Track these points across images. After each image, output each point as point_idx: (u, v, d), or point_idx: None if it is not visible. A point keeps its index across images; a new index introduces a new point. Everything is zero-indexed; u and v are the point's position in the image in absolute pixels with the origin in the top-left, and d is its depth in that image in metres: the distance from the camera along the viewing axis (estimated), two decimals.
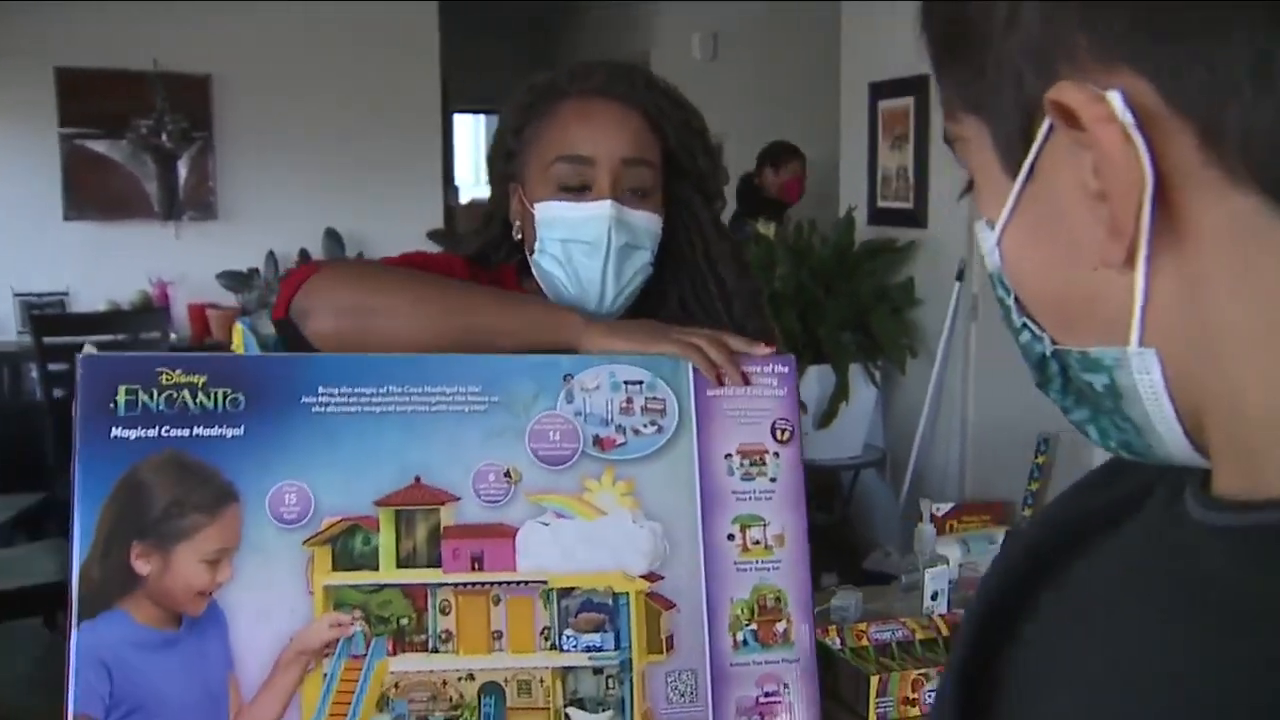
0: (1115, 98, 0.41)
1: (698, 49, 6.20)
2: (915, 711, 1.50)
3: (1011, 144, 0.46)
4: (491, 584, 1.09)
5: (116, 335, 4.78)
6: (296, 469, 1.07)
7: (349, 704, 1.06)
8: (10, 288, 5.37)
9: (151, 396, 1.06)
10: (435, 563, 1.09)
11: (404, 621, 1.08)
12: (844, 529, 4.27)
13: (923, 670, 1.51)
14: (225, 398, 1.07)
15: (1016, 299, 0.51)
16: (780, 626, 1.11)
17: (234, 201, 5.77)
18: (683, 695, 1.09)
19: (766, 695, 1.10)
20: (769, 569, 1.11)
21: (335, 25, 5.71)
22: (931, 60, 0.51)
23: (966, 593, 1.88)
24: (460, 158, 10.15)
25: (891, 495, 4.21)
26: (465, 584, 1.09)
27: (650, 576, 1.10)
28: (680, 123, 1.41)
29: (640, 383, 1.12)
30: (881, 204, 4.52)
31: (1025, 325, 0.50)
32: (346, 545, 1.08)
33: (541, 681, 1.09)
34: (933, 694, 1.51)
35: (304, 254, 5.66)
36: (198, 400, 1.07)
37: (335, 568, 1.07)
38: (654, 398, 1.12)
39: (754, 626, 1.10)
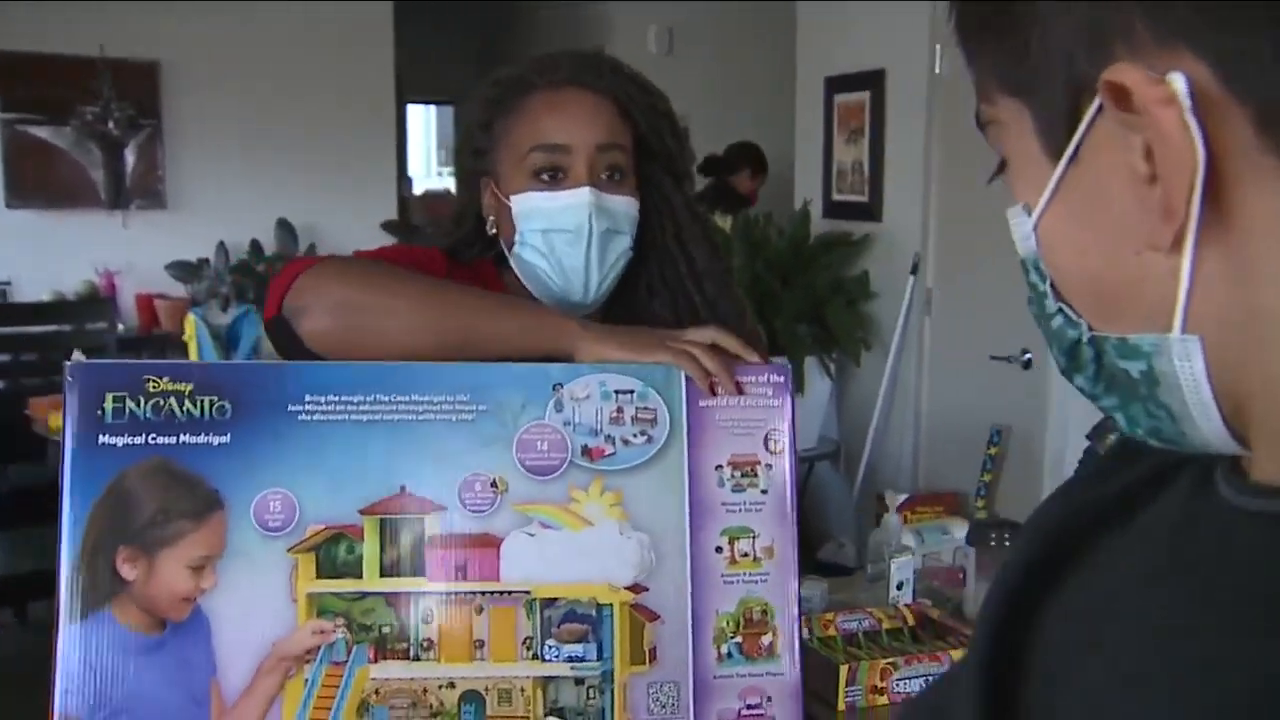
0: (1178, 80, 0.41)
1: (653, 43, 6.20)
2: (883, 700, 1.53)
3: (1055, 126, 0.46)
4: (475, 594, 1.09)
5: (61, 326, 4.70)
6: (282, 477, 1.07)
7: (330, 710, 1.07)
8: None
9: (139, 404, 1.06)
10: (419, 572, 1.09)
11: (386, 629, 1.08)
12: (798, 521, 4.30)
13: (890, 659, 1.54)
14: (212, 405, 1.07)
15: (1052, 284, 0.50)
16: (766, 639, 1.11)
17: (183, 191, 5.69)
18: (664, 706, 1.10)
19: (749, 708, 1.11)
20: (757, 581, 1.12)
21: (288, 13, 5.64)
22: (966, 41, 0.51)
23: (930, 582, 1.92)
24: (414, 149, 10.10)
25: (845, 487, 4.25)
26: (448, 593, 1.09)
27: (636, 588, 1.10)
28: (648, 107, 1.42)
29: (631, 392, 1.12)
30: (837, 197, 4.55)
31: (1060, 310, 0.50)
32: (330, 553, 1.08)
33: (522, 691, 1.09)
34: (901, 682, 1.53)
35: (255, 245, 5.61)
36: (184, 408, 1.07)
37: (319, 575, 1.08)
38: (645, 407, 1.12)
39: (739, 639, 1.11)
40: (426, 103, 10.14)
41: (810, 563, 3.23)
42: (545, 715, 1.09)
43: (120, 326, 5.16)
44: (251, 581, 1.06)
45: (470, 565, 1.09)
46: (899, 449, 4.21)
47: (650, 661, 1.10)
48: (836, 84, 4.51)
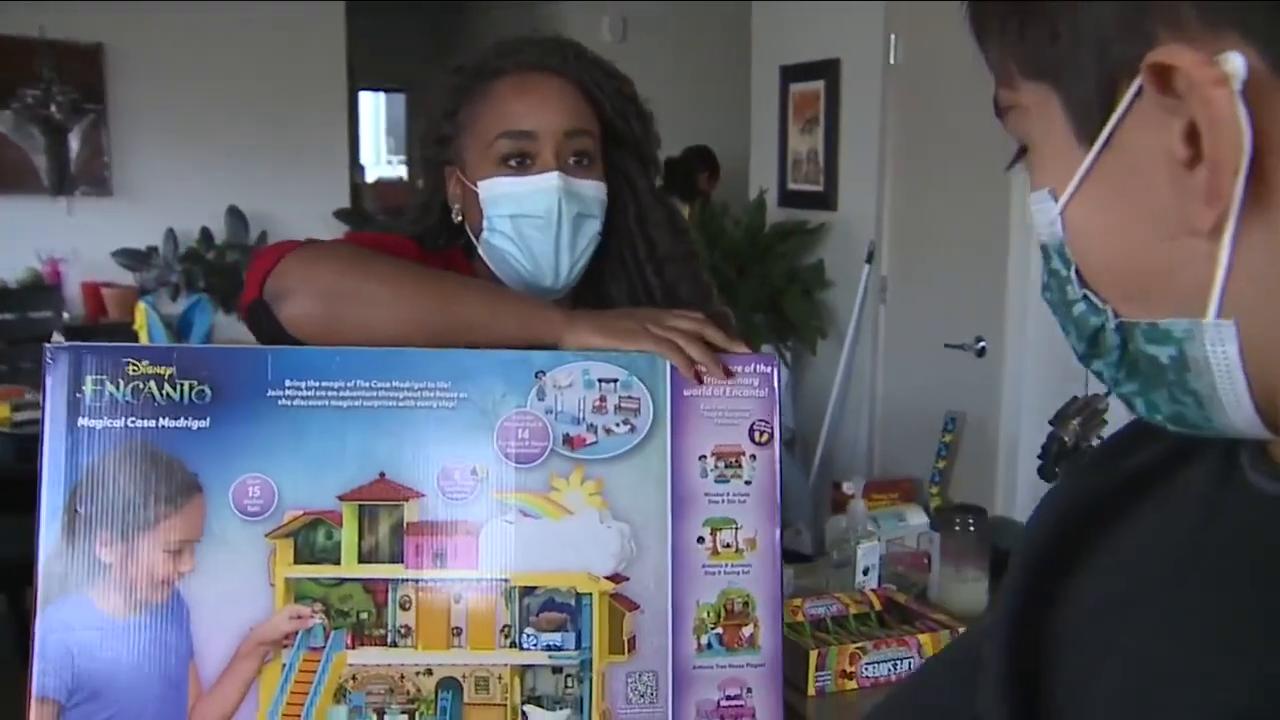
0: (1236, 60, 0.41)
1: (607, 31, 6.19)
2: (852, 685, 1.54)
3: (1088, 111, 0.46)
4: (453, 581, 1.09)
5: (4, 314, 4.62)
6: (261, 462, 1.07)
7: (306, 694, 1.07)
8: None
9: (118, 387, 1.05)
10: (397, 558, 1.09)
11: (364, 615, 1.08)
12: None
13: (859, 644, 1.55)
14: (192, 389, 1.06)
15: (1077, 271, 0.50)
16: (747, 631, 1.12)
17: (130, 177, 5.60)
18: (642, 696, 1.10)
19: (728, 698, 1.11)
20: (738, 573, 1.12)
21: None
22: (983, 27, 0.51)
23: (894, 568, 1.94)
24: (365, 137, 10.02)
25: (802, 474, 4.28)
26: (426, 580, 1.09)
27: (615, 577, 1.10)
28: (613, 91, 1.42)
29: (615, 381, 1.12)
30: (792, 186, 4.57)
31: (1085, 297, 0.50)
32: (309, 539, 1.08)
33: (499, 678, 1.09)
34: (870, 666, 1.55)
35: (205, 233, 5.54)
36: (164, 391, 1.06)
37: (297, 561, 1.07)
38: (628, 396, 1.12)
39: (719, 630, 1.11)
40: (381, 90, 10.06)
41: None
42: (522, 703, 1.09)
43: (66, 315, 5.08)
44: (230, 566, 1.06)
45: (449, 553, 1.09)
46: (854, 436, 4.25)
47: (629, 651, 1.10)
48: (791, 73, 4.53)
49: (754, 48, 4.83)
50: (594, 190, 1.37)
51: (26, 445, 3.18)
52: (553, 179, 1.33)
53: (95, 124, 5.54)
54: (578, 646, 1.10)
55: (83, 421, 1.05)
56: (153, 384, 1.06)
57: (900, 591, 1.80)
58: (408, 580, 1.09)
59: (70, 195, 5.53)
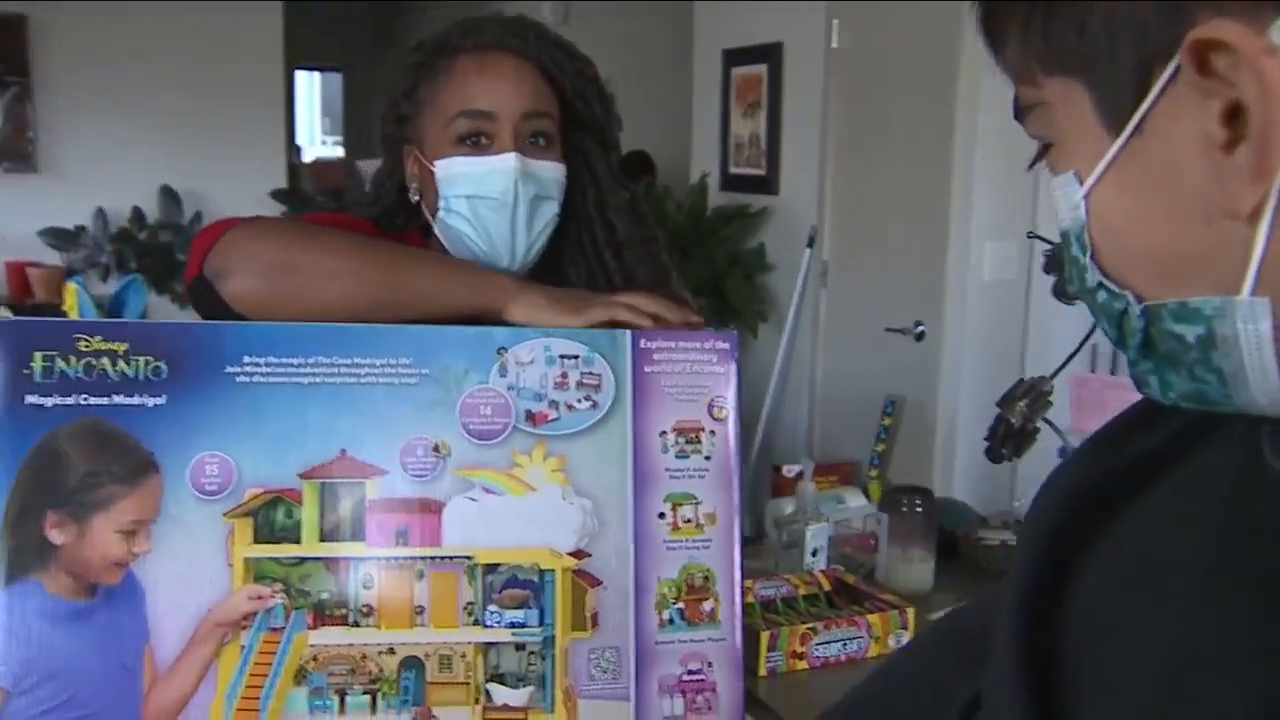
0: None
1: (549, 12, 6.14)
2: (803, 665, 1.56)
3: (1120, 99, 0.46)
4: (416, 559, 1.08)
5: None
6: (219, 440, 1.05)
7: (266, 676, 1.05)
8: None
9: (69, 363, 1.02)
10: (359, 537, 1.07)
11: (325, 595, 1.07)
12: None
13: (810, 625, 1.57)
14: (147, 366, 1.04)
15: (1094, 257, 0.50)
16: (708, 605, 1.12)
17: (57, 154, 5.47)
18: (605, 672, 1.10)
19: (690, 673, 1.12)
20: (699, 548, 1.12)
21: None
22: (1003, 28, 0.51)
23: (841, 549, 1.96)
24: (302, 117, 9.89)
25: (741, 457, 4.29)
26: (389, 559, 1.08)
27: (578, 554, 1.10)
28: (574, 73, 1.41)
29: (576, 357, 1.12)
30: (734, 170, 4.59)
31: (1101, 285, 0.50)
32: (269, 517, 1.06)
33: (463, 656, 1.09)
34: (820, 647, 1.56)
35: (137, 212, 5.43)
36: (118, 368, 1.03)
37: (256, 540, 1.06)
38: (590, 373, 1.12)
39: (681, 605, 1.11)
40: (316, 69, 9.92)
41: None
42: (486, 681, 1.08)
43: None
44: (187, 546, 1.04)
45: (411, 530, 1.08)
46: (794, 420, 4.28)
47: (592, 627, 1.10)
48: (734, 57, 4.55)
49: (696, 31, 4.83)
50: (552, 172, 1.36)
51: None
52: (510, 160, 1.32)
53: (18, 98, 5.40)
54: (541, 623, 1.09)
55: (31, 399, 1.02)
56: (106, 360, 1.04)
57: (848, 572, 1.82)
58: (370, 559, 1.07)
59: None
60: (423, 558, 1.08)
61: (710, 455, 1.13)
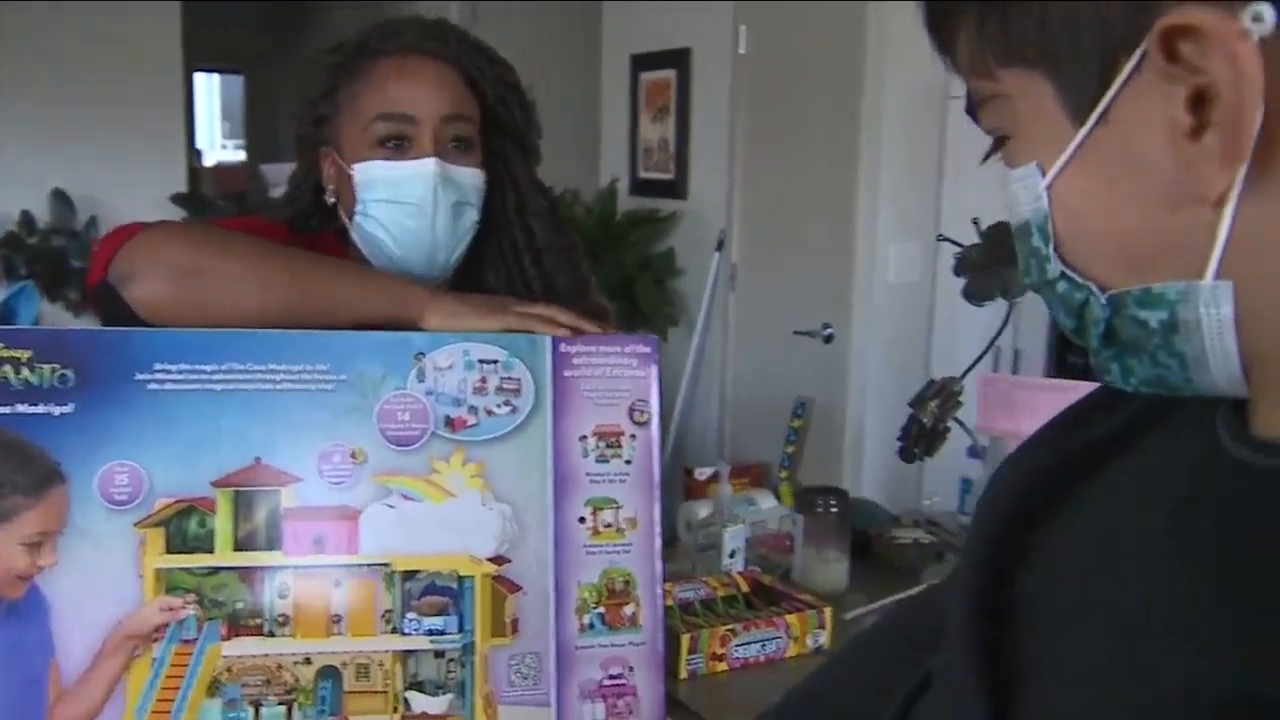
0: (1267, 9, 0.41)
1: (456, 15, 6.11)
2: (723, 666, 1.56)
3: (1083, 87, 0.46)
4: (332, 567, 1.07)
5: None
6: (129, 449, 1.03)
7: (178, 689, 1.03)
8: None
9: None
10: (275, 545, 1.06)
11: (239, 605, 1.05)
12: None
13: (729, 626, 1.58)
14: (53, 373, 1.01)
15: (1056, 248, 0.50)
16: (628, 610, 1.12)
17: None
18: (525, 678, 1.10)
19: (611, 678, 1.11)
20: (619, 552, 1.12)
21: None
22: (954, 24, 0.51)
23: (757, 550, 1.97)
24: (203, 119, 9.70)
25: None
26: (305, 567, 1.06)
27: (498, 559, 1.09)
28: (495, 77, 1.40)
29: (496, 362, 1.11)
30: (643, 175, 4.60)
31: (1063, 275, 0.50)
32: (181, 527, 1.04)
33: (381, 665, 1.07)
34: (741, 648, 1.57)
35: (26, 216, 5.27)
36: (21, 375, 1.01)
37: (169, 550, 1.04)
38: (509, 377, 1.11)
39: (602, 610, 1.11)
40: (219, 70, 9.74)
41: None
42: (404, 689, 1.07)
43: None
44: (95, 558, 1.02)
45: (328, 538, 1.07)
46: (705, 423, 4.30)
47: (512, 633, 1.10)
48: (642, 62, 4.56)
49: (604, 36, 4.84)
50: (472, 178, 1.35)
51: None
52: (429, 165, 1.31)
53: None
54: (460, 630, 1.08)
55: None
56: (8, 368, 1.01)
57: (765, 573, 1.84)
58: (285, 567, 1.06)
59: None
60: (340, 565, 1.07)
61: (631, 459, 1.13)
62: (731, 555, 1.84)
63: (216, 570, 1.05)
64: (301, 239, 1.37)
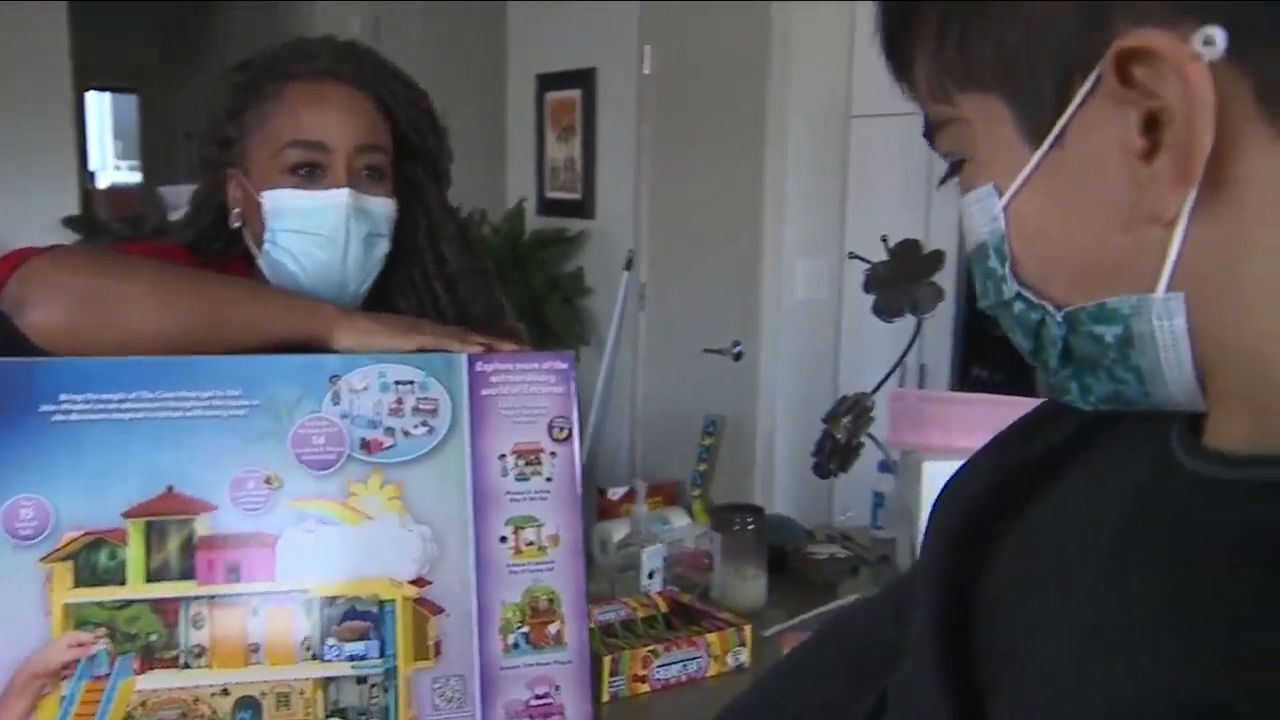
0: (1218, 33, 0.42)
1: (358, 31, 6.05)
2: (645, 688, 1.56)
3: (1039, 110, 0.47)
4: (249, 595, 1.05)
5: None
6: (34, 482, 1.00)
7: None
8: None
9: None
10: (188, 575, 1.04)
11: (153, 638, 1.03)
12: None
13: (650, 647, 1.57)
14: None
15: (1013, 269, 0.51)
16: (553, 628, 1.11)
17: None
18: (450, 701, 1.09)
19: (537, 698, 1.11)
20: (542, 570, 1.11)
21: None
22: (911, 48, 0.52)
23: (675, 569, 1.97)
24: (95, 140, 9.46)
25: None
26: (220, 596, 1.04)
27: (418, 581, 1.08)
28: (410, 104, 1.38)
29: (412, 382, 1.10)
30: (551, 195, 4.61)
31: (1019, 296, 0.51)
32: (90, 560, 1.01)
33: (301, 693, 1.05)
34: (662, 668, 1.56)
35: None
36: None
37: (78, 584, 1.01)
38: (426, 398, 1.10)
39: (526, 629, 1.11)
40: (108, 90, 9.52)
41: None
42: (326, 717, 1.06)
43: None
44: (0, 596, 0.98)
45: (244, 566, 1.05)
46: (617, 442, 4.30)
47: (434, 656, 1.08)
48: (547, 81, 4.57)
49: (510, 55, 4.84)
50: (384, 207, 1.34)
51: None
52: (342, 195, 1.29)
53: None
54: (382, 655, 1.07)
55: None
56: None
57: (684, 592, 1.84)
58: (200, 597, 1.04)
59: None
60: (256, 593, 1.05)
61: (551, 477, 1.13)
62: (650, 576, 1.84)
63: (128, 603, 1.02)
64: (208, 263, 1.35)
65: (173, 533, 1.03)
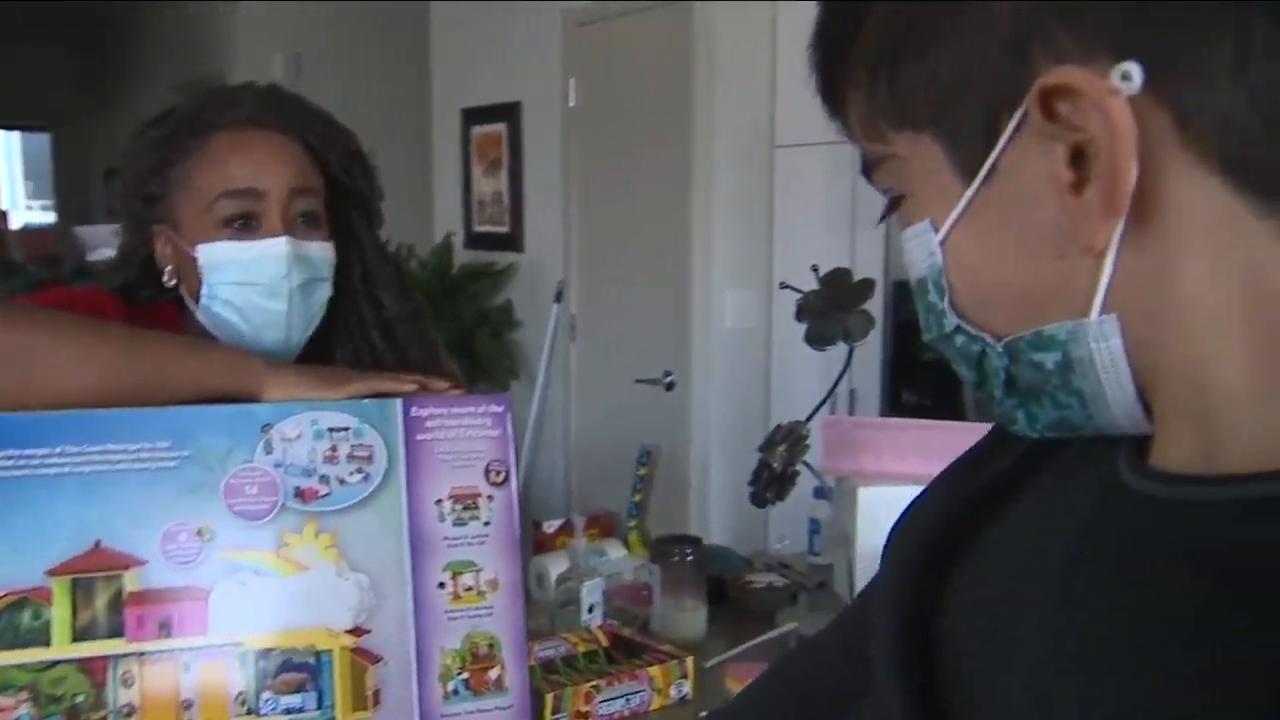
0: (1134, 68, 0.43)
1: (279, 70, 5.99)
2: None
3: (970, 146, 0.48)
4: (181, 651, 1.02)
5: None
6: None
7: None
8: None
9: None
10: (117, 633, 1.01)
11: (80, 698, 1.00)
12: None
13: (593, 683, 1.56)
14: None
15: (951, 302, 0.52)
16: (493, 673, 1.10)
17: None
18: None
19: None
20: (482, 615, 1.10)
21: None
22: (847, 90, 0.52)
23: (614, 602, 1.96)
24: (5, 179, 9.28)
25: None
26: (150, 653, 1.01)
27: (356, 631, 1.06)
28: (339, 146, 1.37)
29: (346, 429, 1.08)
30: (478, 229, 4.60)
31: (959, 329, 0.52)
32: (13, 621, 0.98)
33: None
34: (605, 704, 1.55)
35: None
36: None
37: (0, 647, 0.97)
38: (360, 444, 1.08)
39: (466, 675, 1.09)
40: (17, 128, 9.35)
41: None
42: None
43: None
44: None
45: (176, 620, 1.02)
46: (550, 475, 4.28)
47: (374, 705, 1.06)
48: (473, 116, 4.56)
49: (434, 90, 4.83)
50: (323, 251, 1.31)
51: None
52: (281, 244, 1.26)
53: None
54: (320, 706, 1.05)
55: None
56: None
57: (624, 626, 1.83)
58: (130, 654, 1.01)
59: None
60: (189, 648, 1.02)
61: (489, 520, 1.12)
62: (590, 610, 1.83)
63: (54, 664, 0.99)
64: (139, 310, 1.32)
65: (100, 589, 1.00)
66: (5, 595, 0.98)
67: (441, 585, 1.09)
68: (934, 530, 0.61)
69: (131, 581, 1.01)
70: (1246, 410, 0.45)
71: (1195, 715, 0.40)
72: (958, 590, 0.58)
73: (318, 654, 1.05)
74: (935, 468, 0.67)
